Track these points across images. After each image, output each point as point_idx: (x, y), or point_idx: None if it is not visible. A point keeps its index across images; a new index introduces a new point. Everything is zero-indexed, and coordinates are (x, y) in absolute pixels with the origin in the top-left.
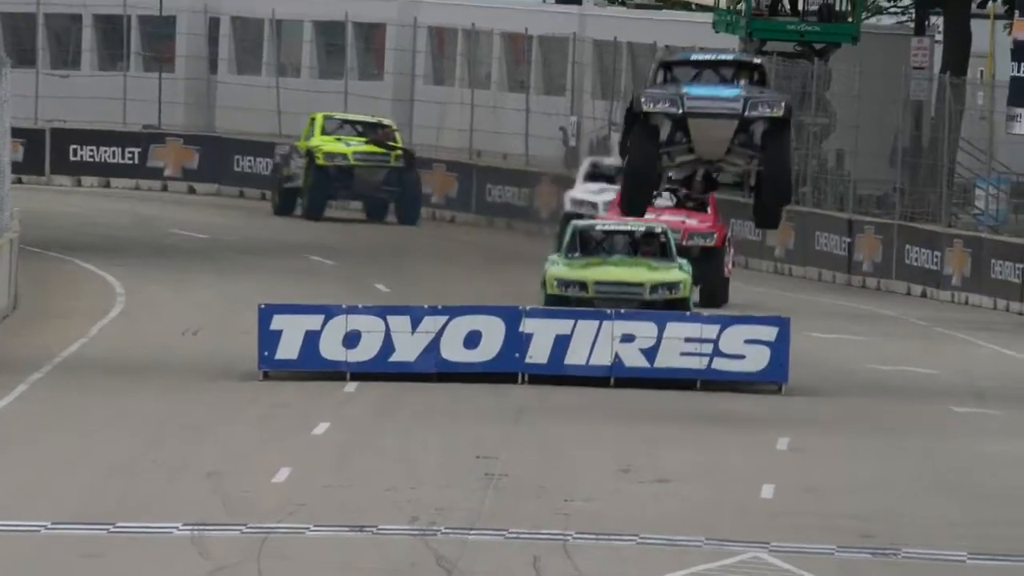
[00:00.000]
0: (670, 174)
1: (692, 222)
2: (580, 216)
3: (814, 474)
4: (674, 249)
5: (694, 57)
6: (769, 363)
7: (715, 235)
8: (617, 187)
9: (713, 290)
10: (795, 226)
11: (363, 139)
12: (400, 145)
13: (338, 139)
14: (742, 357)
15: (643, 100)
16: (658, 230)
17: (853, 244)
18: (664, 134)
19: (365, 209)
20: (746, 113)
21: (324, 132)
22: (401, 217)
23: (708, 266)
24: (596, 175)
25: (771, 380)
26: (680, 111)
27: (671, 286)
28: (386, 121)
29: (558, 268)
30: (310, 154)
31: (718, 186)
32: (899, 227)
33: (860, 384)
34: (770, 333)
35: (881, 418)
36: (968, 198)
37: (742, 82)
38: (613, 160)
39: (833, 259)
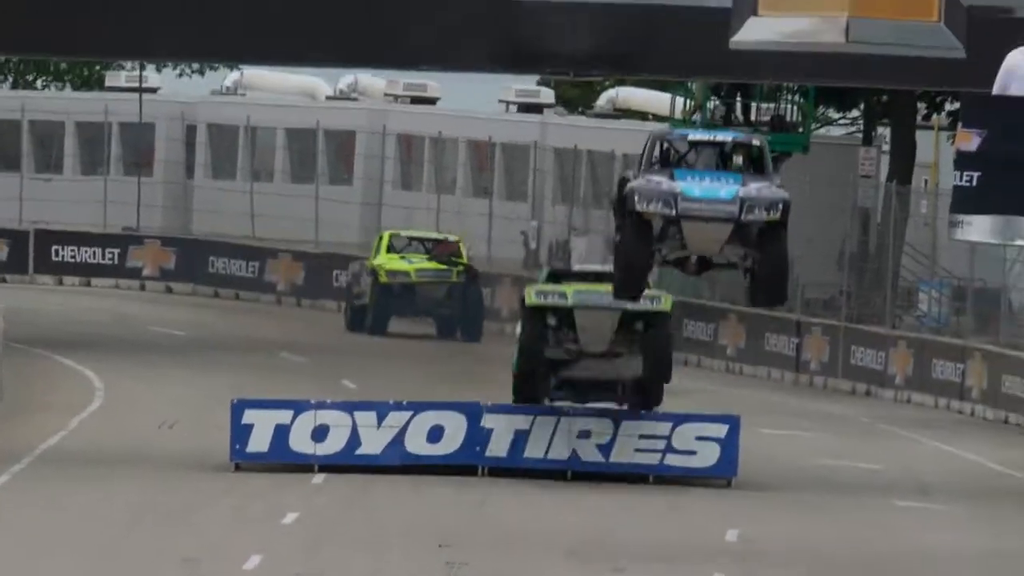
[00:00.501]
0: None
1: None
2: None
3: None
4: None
5: (691, 137)
6: (719, 459)
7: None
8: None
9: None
10: (746, 327)
11: (426, 256)
12: (463, 260)
13: (402, 257)
14: (693, 453)
15: (636, 198)
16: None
17: (801, 344)
18: (657, 228)
19: (435, 326)
20: (743, 217)
21: (390, 249)
22: (463, 333)
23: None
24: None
25: (721, 475)
26: (674, 213)
27: (653, 298)
28: (452, 237)
29: (537, 285)
30: (375, 272)
31: (712, 266)
32: (845, 328)
33: (807, 479)
34: (720, 430)
35: (826, 510)
36: (912, 301)
37: (742, 171)
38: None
39: (782, 359)
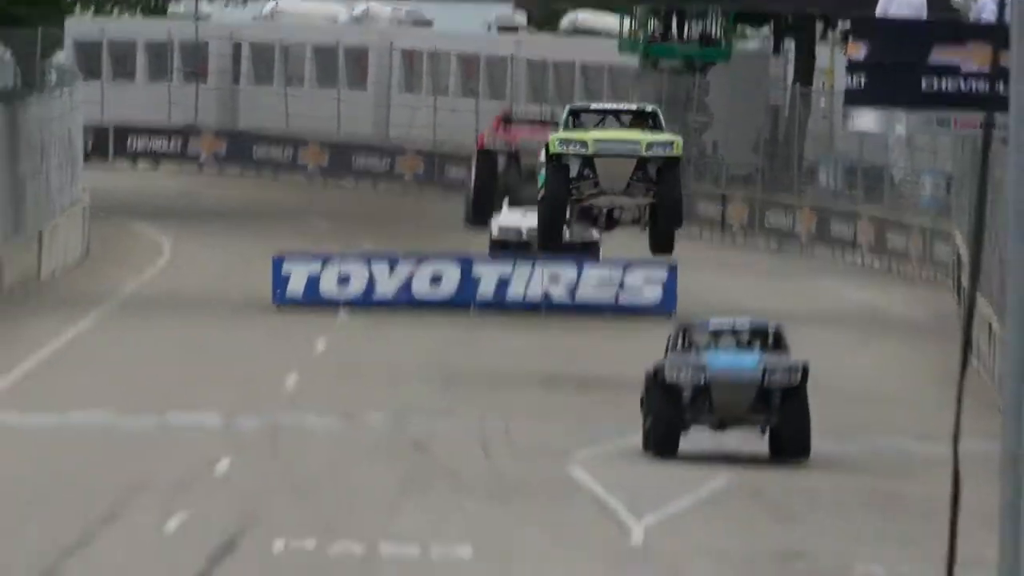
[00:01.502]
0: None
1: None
2: (506, 243)
3: None
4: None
5: (713, 328)
6: (662, 298)
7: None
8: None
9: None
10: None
11: None
12: None
13: None
14: (641, 291)
15: (667, 370)
16: (649, 109)
17: (726, 211)
18: (686, 399)
19: None
20: (766, 381)
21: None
22: None
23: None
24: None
25: (663, 311)
26: (703, 381)
27: (665, 144)
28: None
29: (559, 132)
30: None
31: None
32: (760, 198)
33: (731, 314)
34: (662, 275)
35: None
36: (813, 176)
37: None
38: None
39: (711, 222)
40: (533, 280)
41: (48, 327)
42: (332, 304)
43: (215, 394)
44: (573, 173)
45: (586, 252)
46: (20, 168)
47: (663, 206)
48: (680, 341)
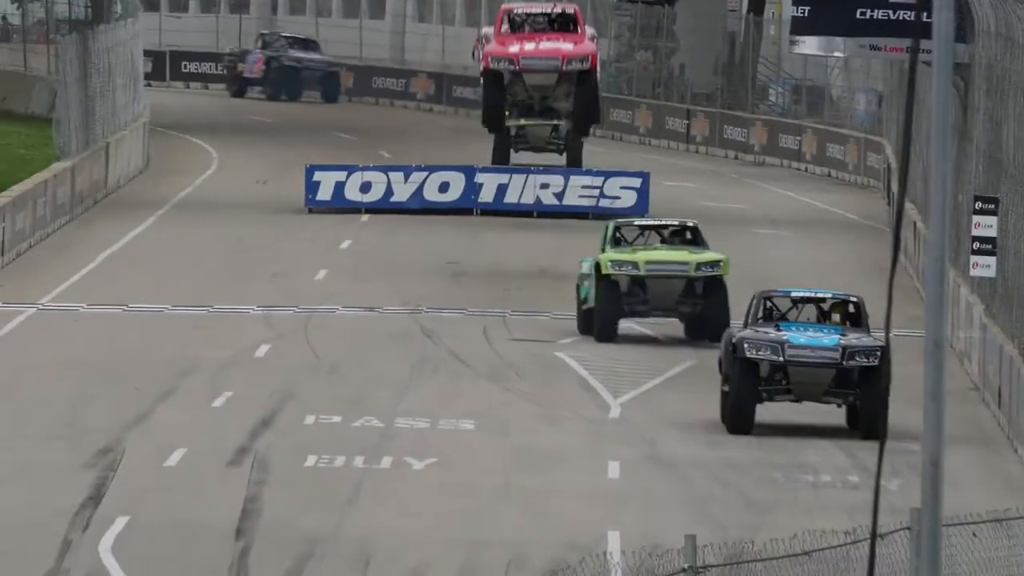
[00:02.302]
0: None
1: (568, 46)
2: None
3: None
4: (704, 239)
5: (794, 298)
6: (636, 202)
7: (588, 59)
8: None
9: (585, 112)
10: (651, 113)
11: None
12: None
13: None
14: (618, 198)
15: (746, 346)
16: (690, 224)
17: (690, 124)
18: (763, 372)
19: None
20: (844, 362)
21: None
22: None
23: (583, 88)
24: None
25: (637, 213)
26: (781, 359)
27: (713, 264)
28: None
29: (609, 253)
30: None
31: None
32: (720, 114)
33: (696, 214)
34: (636, 182)
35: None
36: (764, 95)
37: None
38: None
39: (677, 134)
40: (527, 187)
41: (113, 228)
42: (355, 208)
43: (255, 287)
44: (623, 289)
45: None
46: (90, 88)
47: (708, 319)
48: (759, 311)
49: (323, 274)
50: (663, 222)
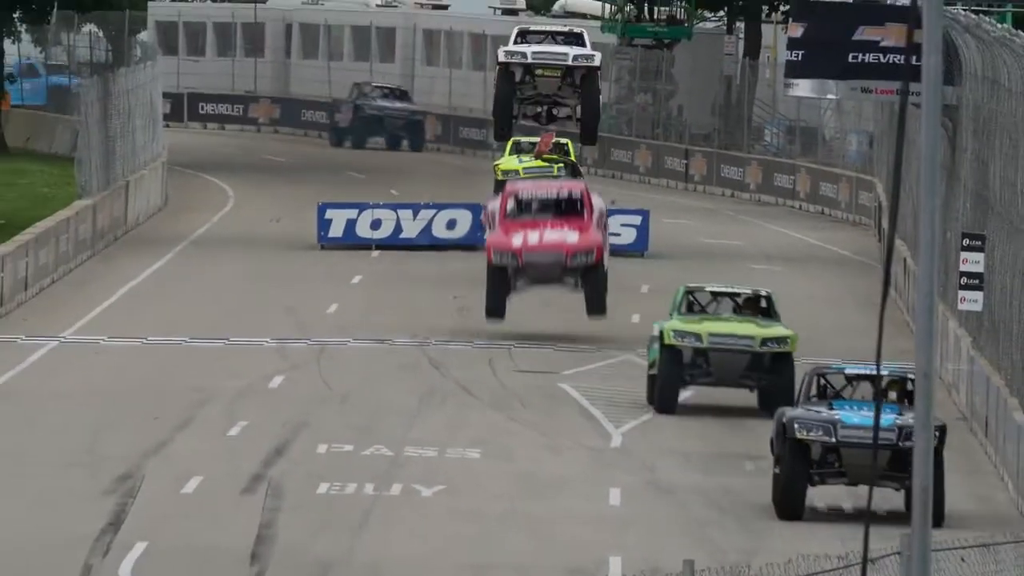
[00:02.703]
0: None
1: (573, 239)
2: (510, 69)
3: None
4: (777, 311)
5: (848, 375)
6: (636, 238)
7: (594, 253)
8: (546, 47)
9: (594, 299)
10: (651, 152)
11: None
12: (570, 158)
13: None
14: (619, 235)
15: (796, 427)
16: (764, 293)
17: (688, 164)
18: (815, 454)
19: None
20: (900, 443)
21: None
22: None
23: (589, 278)
24: (523, 40)
25: (637, 249)
26: (833, 440)
27: (780, 340)
28: (562, 140)
29: (673, 322)
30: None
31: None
32: (717, 154)
33: (694, 251)
34: (636, 219)
35: (708, 269)
36: (760, 135)
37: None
38: (539, 27)
39: (676, 173)
40: None
41: (132, 264)
42: (366, 244)
43: (270, 320)
44: (686, 360)
45: None
46: (111, 129)
47: (774, 394)
48: (813, 388)
49: (335, 308)
50: (736, 289)
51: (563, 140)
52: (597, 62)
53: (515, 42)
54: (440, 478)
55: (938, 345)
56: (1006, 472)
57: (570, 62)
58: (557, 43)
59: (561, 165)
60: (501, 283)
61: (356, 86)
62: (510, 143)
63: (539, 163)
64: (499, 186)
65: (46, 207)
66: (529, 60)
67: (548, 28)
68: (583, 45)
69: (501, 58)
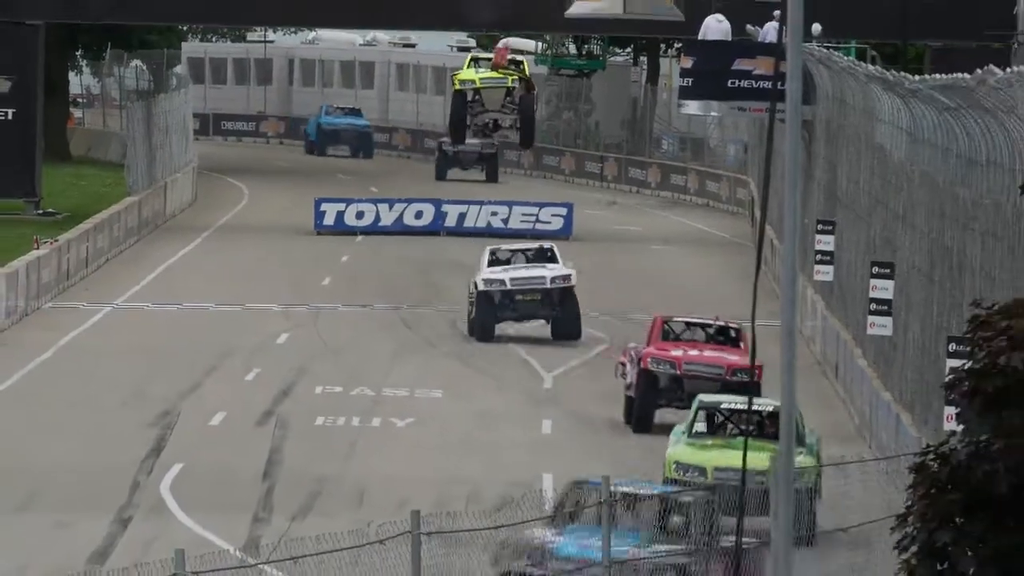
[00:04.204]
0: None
1: (733, 358)
2: (490, 296)
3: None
4: (804, 433)
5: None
6: (563, 225)
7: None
8: (519, 269)
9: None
10: (574, 158)
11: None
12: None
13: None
14: (549, 222)
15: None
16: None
17: (603, 167)
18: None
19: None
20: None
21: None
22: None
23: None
24: (495, 261)
25: (564, 234)
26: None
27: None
28: (519, 57)
29: (679, 449)
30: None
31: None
32: (625, 159)
33: (608, 236)
34: (563, 211)
35: (620, 250)
36: (659, 144)
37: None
38: (508, 245)
39: (593, 175)
40: (481, 215)
41: (169, 247)
42: (352, 231)
43: (277, 290)
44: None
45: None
46: (152, 141)
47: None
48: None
49: (328, 280)
50: (756, 408)
51: (519, 57)
52: (573, 281)
53: (488, 264)
54: (411, 413)
55: (799, 308)
56: (852, 406)
57: (548, 285)
58: (529, 261)
59: (516, 77)
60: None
61: (321, 107)
62: (468, 57)
63: (495, 74)
64: (456, 96)
65: (102, 203)
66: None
67: (517, 247)
68: (555, 261)
69: (481, 287)
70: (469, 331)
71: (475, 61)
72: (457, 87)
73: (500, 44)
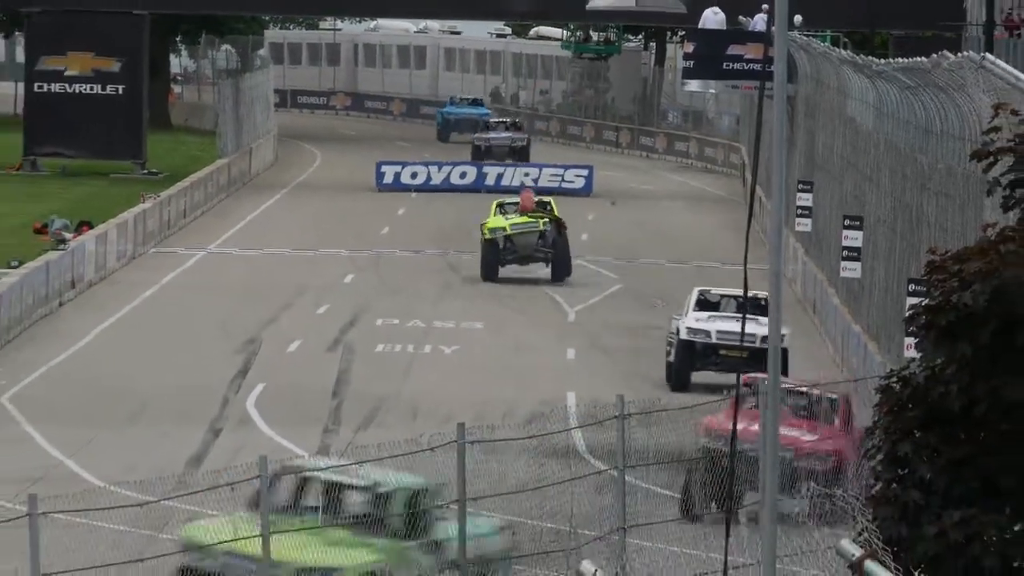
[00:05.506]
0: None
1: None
2: (693, 345)
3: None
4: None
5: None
6: (584, 184)
7: (832, 458)
8: (728, 316)
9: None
10: (593, 128)
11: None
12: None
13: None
14: (572, 182)
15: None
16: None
17: (618, 136)
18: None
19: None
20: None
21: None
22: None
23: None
24: (704, 303)
25: (585, 192)
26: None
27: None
28: (546, 198)
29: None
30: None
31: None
32: (637, 129)
33: (624, 193)
34: (585, 172)
35: (632, 205)
36: (665, 116)
37: None
38: (719, 289)
39: (610, 142)
40: (516, 176)
41: (254, 201)
42: (408, 188)
43: (345, 237)
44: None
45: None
46: (240, 112)
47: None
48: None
49: (387, 230)
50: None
51: (546, 199)
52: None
53: (696, 306)
54: (456, 342)
55: (783, 253)
56: (826, 337)
57: (758, 344)
58: (739, 309)
59: (546, 220)
60: None
61: (449, 98)
62: (494, 204)
63: (525, 219)
64: (486, 245)
65: (197, 164)
66: (713, 341)
67: (729, 292)
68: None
69: (683, 335)
70: (666, 377)
71: (501, 207)
72: (487, 236)
73: (524, 190)
